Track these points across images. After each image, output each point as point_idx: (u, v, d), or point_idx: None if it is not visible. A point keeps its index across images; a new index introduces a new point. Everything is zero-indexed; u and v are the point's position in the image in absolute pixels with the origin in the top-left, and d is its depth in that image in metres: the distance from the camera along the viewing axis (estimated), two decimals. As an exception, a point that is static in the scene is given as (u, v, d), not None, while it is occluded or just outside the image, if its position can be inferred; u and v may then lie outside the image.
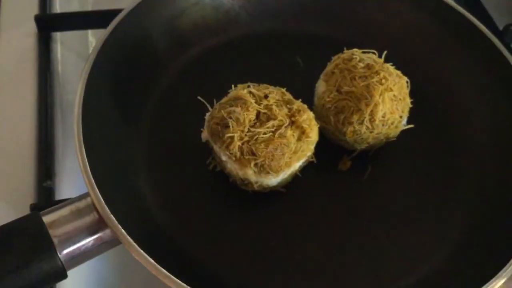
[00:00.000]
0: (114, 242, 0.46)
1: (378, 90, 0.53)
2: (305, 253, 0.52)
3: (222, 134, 0.50)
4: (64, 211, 0.46)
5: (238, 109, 0.50)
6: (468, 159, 0.59)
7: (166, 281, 0.43)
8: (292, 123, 0.51)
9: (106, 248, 0.46)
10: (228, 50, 0.67)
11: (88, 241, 0.45)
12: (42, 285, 0.44)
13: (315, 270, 0.51)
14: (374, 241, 0.53)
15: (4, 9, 0.75)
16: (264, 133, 0.50)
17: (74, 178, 0.59)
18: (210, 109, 0.54)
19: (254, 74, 0.56)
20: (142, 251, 0.44)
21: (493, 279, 0.46)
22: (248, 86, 0.53)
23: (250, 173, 0.50)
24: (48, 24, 0.73)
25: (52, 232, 0.44)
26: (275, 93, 0.52)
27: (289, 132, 0.50)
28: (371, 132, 0.54)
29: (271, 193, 0.54)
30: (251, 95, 0.51)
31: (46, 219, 0.45)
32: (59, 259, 0.43)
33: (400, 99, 0.54)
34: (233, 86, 0.54)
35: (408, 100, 0.56)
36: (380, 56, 0.57)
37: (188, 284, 0.43)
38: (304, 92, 0.56)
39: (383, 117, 0.53)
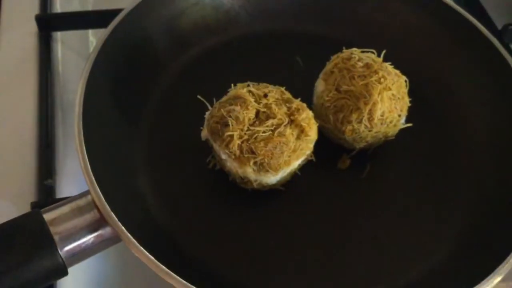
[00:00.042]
0: (114, 239, 0.46)
1: (377, 89, 0.53)
2: (304, 251, 0.52)
3: (222, 133, 0.50)
4: (65, 209, 0.46)
5: (237, 108, 0.50)
6: (467, 158, 0.59)
7: (166, 278, 0.43)
8: (291, 121, 0.51)
9: (106, 245, 0.47)
10: (228, 50, 0.67)
11: (89, 238, 0.45)
12: (43, 282, 0.44)
13: (313, 268, 0.52)
14: (373, 240, 0.54)
15: (5, 8, 0.76)
16: (264, 132, 0.50)
17: (74, 177, 0.59)
18: (210, 108, 0.54)
19: (254, 74, 0.56)
20: (142, 248, 0.44)
21: (490, 275, 0.46)
22: (248, 85, 0.53)
23: (249, 172, 0.51)
24: (49, 23, 0.73)
25: (53, 230, 0.44)
26: (275, 92, 0.52)
27: (288, 131, 0.50)
28: (370, 131, 0.54)
29: (271, 191, 0.54)
30: (250, 94, 0.52)
31: (47, 216, 0.45)
32: (60, 256, 0.44)
33: (398, 98, 0.54)
34: (232, 85, 0.54)
35: (407, 99, 0.56)
36: (379, 56, 0.57)
37: (187, 281, 0.43)
38: (303, 91, 0.56)
39: (382, 116, 0.54)
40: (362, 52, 0.57)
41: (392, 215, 0.55)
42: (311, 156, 0.54)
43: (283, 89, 0.54)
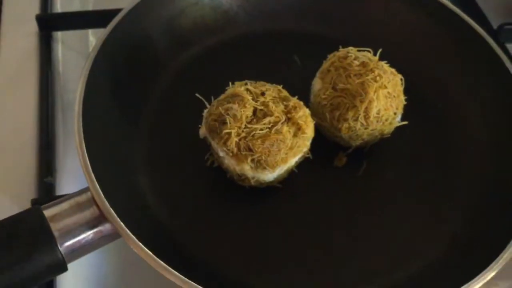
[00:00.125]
0: (113, 235, 0.47)
1: (373, 87, 0.53)
2: (301, 248, 0.53)
3: (220, 131, 0.51)
4: (65, 205, 0.46)
5: (235, 106, 0.51)
6: (462, 155, 0.60)
7: (165, 273, 0.43)
8: (288, 119, 0.51)
9: (106, 241, 0.47)
10: (227, 49, 0.67)
11: (88, 234, 0.46)
12: (43, 278, 0.45)
13: (310, 264, 0.52)
14: (369, 237, 0.54)
15: (5, 8, 0.76)
16: (261, 129, 0.50)
17: (74, 175, 0.60)
18: (208, 106, 0.55)
19: (252, 73, 0.57)
20: (141, 244, 0.44)
21: (484, 271, 0.47)
22: (246, 84, 0.54)
23: (247, 169, 0.51)
24: (49, 23, 0.73)
25: (53, 226, 0.44)
26: (272, 90, 0.53)
27: (285, 128, 0.51)
28: (365, 129, 0.55)
29: (268, 188, 0.54)
30: (248, 92, 0.52)
31: (47, 213, 0.45)
32: (60, 252, 0.44)
33: (394, 96, 0.55)
34: (230, 83, 0.55)
35: (403, 97, 0.56)
36: (375, 54, 0.57)
37: (186, 276, 0.43)
38: (300, 89, 0.56)
39: (378, 113, 0.54)
40: (358, 51, 0.57)
41: (388, 212, 0.56)
42: (307, 154, 0.54)
43: (280, 87, 0.54)
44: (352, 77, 0.54)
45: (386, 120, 0.55)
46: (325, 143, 0.58)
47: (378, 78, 0.54)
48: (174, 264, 0.44)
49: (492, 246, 0.50)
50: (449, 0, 0.67)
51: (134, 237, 0.44)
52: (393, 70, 0.57)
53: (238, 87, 0.53)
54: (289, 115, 0.51)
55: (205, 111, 0.54)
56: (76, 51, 0.74)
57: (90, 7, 0.81)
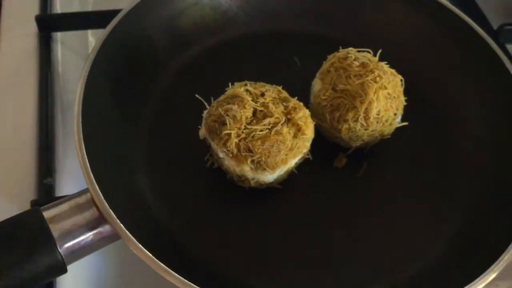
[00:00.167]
0: (113, 237, 0.46)
1: (373, 88, 0.53)
2: (300, 248, 0.53)
3: (220, 131, 0.51)
4: (64, 207, 0.46)
5: (235, 107, 0.51)
6: (461, 156, 0.60)
7: (165, 275, 0.43)
8: (288, 120, 0.51)
9: (105, 243, 0.47)
10: (227, 49, 0.67)
11: (88, 235, 0.46)
12: (42, 279, 0.45)
13: (310, 265, 0.52)
14: (369, 238, 0.54)
15: (5, 9, 0.76)
16: (261, 130, 0.50)
17: (74, 176, 0.60)
18: (207, 107, 0.55)
19: (252, 73, 0.57)
20: (140, 246, 0.44)
21: (484, 273, 0.47)
22: (245, 84, 0.53)
23: (246, 170, 0.51)
24: (49, 24, 0.73)
25: (52, 227, 0.44)
26: (272, 91, 0.53)
27: (285, 129, 0.51)
28: (365, 130, 0.55)
29: (268, 189, 0.54)
30: (247, 93, 0.52)
31: (47, 214, 0.45)
32: (59, 253, 0.44)
33: (394, 97, 0.55)
34: (230, 84, 0.55)
35: (403, 98, 0.56)
36: (375, 55, 0.57)
37: (186, 278, 0.43)
38: (300, 90, 0.56)
39: (378, 114, 0.54)
40: (358, 51, 0.57)
41: (388, 213, 0.56)
42: (307, 155, 0.54)
43: (280, 88, 0.54)
44: (352, 78, 0.54)
45: (386, 121, 0.55)
46: (325, 144, 0.58)
47: (378, 79, 0.54)
48: (174, 266, 0.44)
49: (493, 247, 0.50)
50: (449, 1, 0.67)
51: (134, 239, 0.44)
52: (393, 71, 0.56)
53: (238, 88, 0.53)
54: (289, 116, 0.51)
55: (205, 112, 0.54)
56: (76, 51, 0.74)
57: (89, 7, 0.81)
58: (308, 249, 0.53)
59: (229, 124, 0.50)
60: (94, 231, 0.46)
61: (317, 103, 0.56)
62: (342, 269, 0.52)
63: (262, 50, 0.68)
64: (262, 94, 0.52)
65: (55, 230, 0.44)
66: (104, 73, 0.57)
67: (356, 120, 0.54)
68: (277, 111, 0.51)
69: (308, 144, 0.53)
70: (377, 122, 0.54)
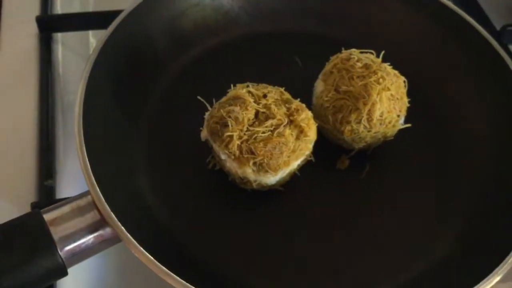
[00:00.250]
0: (114, 239, 0.46)
1: (376, 89, 0.53)
2: (303, 251, 0.53)
3: (222, 133, 0.50)
4: (65, 209, 0.46)
5: (237, 108, 0.50)
6: (465, 157, 0.59)
7: (166, 278, 0.43)
8: (291, 122, 0.51)
9: (106, 245, 0.47)
10: (228, 50, 0.67)
11: (89, 238, 0.45)
12: (43, 282, 0.44)
13: (313, 267, 0.52)
14: (372, 240, 0.54)
15: (5, 10, 0.76)
16: (263, 132, 0.50)
17: (74, 177, 0.59)
18: (209, 108, 0.54)
19: (254, 74, 0.57)
20: (142, 249, 0.44)
21: (489, 275, 0.46)
22: (247, 86, 0.53)
23: (249, 172, 0.51)
24: (49, 25, 0.73)
25: (53, 230, 0.44)
26: (274, 93, 0.52)
27: (287, 131, 0.50)
28: (369, 131, 0.54)
29: (270, 191, 0.54)
30: (250, 94, 0.52)
31: (47, 217, 0.45)
32: (60, 256, 0.44)
33: (397, 98, 0.54)
34: (232, 86, 0.54)
35: (406, 100, 0.56)
36: (377, 56, 0.57)
37: (186, 281, 0.43)
38: (302, 91, 0.56)
39: (381, 116, 0.54)
40: (361, 52, 0.57)
41: (391, 215, 0.56)
42: (310, 157, 0.54)
43: (282, 89, 0.54)
44: (355, 79, 0.54)
45: (389, 122, 0.55)
46: (327, 145, 0.57)
47: (381, 80, 0.54)
48: (175, 268, 0.44)
49: (496, 249, 0.49)
50: (451, 1, 0.67)
51: (135, 242, 0.44)
52: (396, 72, 0.56)
53: (240, 89, 0.53)
54: (291, 118, 0.51)
55: (207, 113, 0.54)
56: (77, 52, 0.74)
57: (90, 8, 0.81)
58: (309, 250, 0.53)
59: (231, 125, 0.50)
60: (95, 234, 0.46)
61: (319, 105, 0.56)
62: (344, 271, 0.52)
63: (263, 50, 0.68)
64: (264, 96, 0.52)
65: (56, 232, 0.44)
66: (105, 74, 0.56)
67: (359, 122, 0.54)
68: (280, 112, 0.51)
69: (310, 146, 0.53)
70: (380, 124, 0.54)
